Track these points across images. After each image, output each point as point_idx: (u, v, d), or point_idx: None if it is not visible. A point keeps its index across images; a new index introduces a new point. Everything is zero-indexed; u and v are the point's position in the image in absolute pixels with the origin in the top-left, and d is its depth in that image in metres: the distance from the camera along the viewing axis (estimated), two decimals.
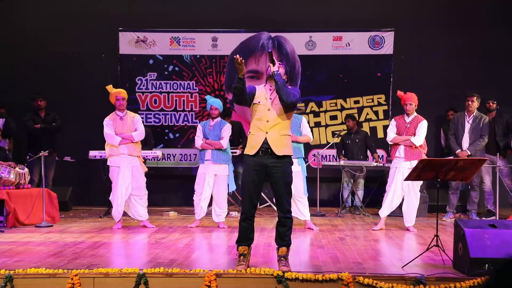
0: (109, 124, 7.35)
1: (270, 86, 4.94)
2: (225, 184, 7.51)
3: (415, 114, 7.30)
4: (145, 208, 7.54)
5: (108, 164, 7.46)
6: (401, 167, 7.19)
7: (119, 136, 7.32)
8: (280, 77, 4.80)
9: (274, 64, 4.86)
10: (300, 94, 5.04)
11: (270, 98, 4.88)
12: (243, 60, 4.72)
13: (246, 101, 4.87)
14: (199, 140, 7.53)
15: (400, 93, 7.48)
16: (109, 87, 7.47)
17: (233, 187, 7.63)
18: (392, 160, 7.39)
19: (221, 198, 7.52)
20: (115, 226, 7.39)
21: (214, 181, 7.48)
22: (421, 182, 7.31)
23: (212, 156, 7.45)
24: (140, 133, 7.46)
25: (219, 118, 7.60)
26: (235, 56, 4.69)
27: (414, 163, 7.05)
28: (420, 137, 7.17)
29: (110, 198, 7.47)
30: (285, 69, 4.97)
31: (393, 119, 7.52)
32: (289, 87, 4.93)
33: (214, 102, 7.57)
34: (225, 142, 7.46)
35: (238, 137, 9.14)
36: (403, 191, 7.20)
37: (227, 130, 7.51)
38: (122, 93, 7.47)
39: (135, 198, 7.44)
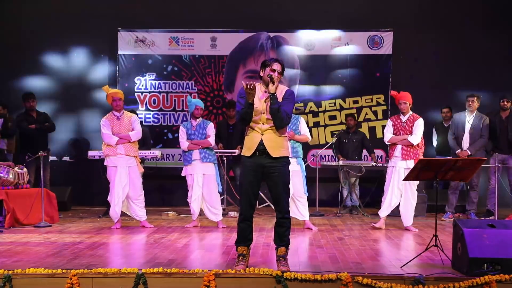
0: (106, 124, 7.36)
1: (265, 89, 4.89)
2: (214, 183, 7.49)
3: (411, 112, 7.32)
4: (143, 209, 7.55)
5: (105, 164, 7.46)
6: (397, 166, 7.21)
7: (116, 136, 7.33)
8: (276, 101, 4.76)
9: (273, 83, 4.78)
10: (295, 99, 5.05)
11: (265, 102, 4.85)
12: (255, 85, 4.69)
13: (251, 121, 4.86)
14: (184, 142, 7.49)
15: (394, 92, 7.50)
16: (105, 88, 7.49)
17: (219, 187, 7.62)
18: (389, 159, 7.39)
19: (213, 198, 7.49)
20: (114, 226, 7.39)
21: (203, 181, 7.47)
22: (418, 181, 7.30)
23: (200, 155, 7.43)
24: (137, 133, 7.46)
25: (201, 118, 7.61)
26: (246, 83, 4.65)
27: (411, 162, 7.10)
28: (417, 136, 7.17)
29: (108, 199, 7.46)
30: (282, 69, 4.93)
31: (389, 119, 7.55)
32: (285, 94, 4.89)
33: (198, 102, 7.60)
34: (212, 140, 7.48)
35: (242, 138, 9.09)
36: (400, 190, 7.22)
37: (212, 128, 7.54)
38: (119, 93, 7.48)
39: (131, 199, 7.44)
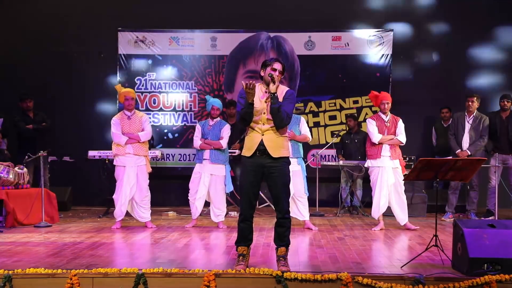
0: (116, 123, 7.37)
1: (266, 89, 4.89)
2: (222, 184, 7.48)
3: (390, 113, 7.35)
4: (147, 210, 7.53)
5: (114, 163, 7.47)
6: (386, 166, 7.20)
7: (126, 135, 7.34)
8: (277, 101, 4.75)
9: (274, 83, 4.78)
10: (295, 99, 5.06)
11: (266, 102, 4.84)
12: (255, 85, 4.69)
13: (251, 121, 4.86)
14: (197, 140, 7.53)
15: (374, 93, 7.49)
16: (118, 87, 7.58)
17: (230, 188, 7.62)
18: (373, 159, 7.28)
19: (218, 199, 7.50)
20: (114, 226, 7.39)
21: (210, 181, 7.47)
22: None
23: (210, 155, 7.44)
24: (147, 133, 7.47)
25: (218, 118, 7.60)
26: (246, 82, 4.65)
27: (397, 162, 7.22)
28: (404, 135, 7.26)
29: (113, 197, 7.47)
30: (283, 69, 4.92)
31: (370, 120, 7.40)
32: (285, 95, 4.88)
33: (215, 102, 7.57)
34: (224, 142, 7.45)
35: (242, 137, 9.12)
36: (388, 190, 7.22)
37: (226, 130, 7.51)
38: (131, 93, 7.53)
39: (136, 200, 7.43)
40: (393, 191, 7.23)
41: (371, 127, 7.30)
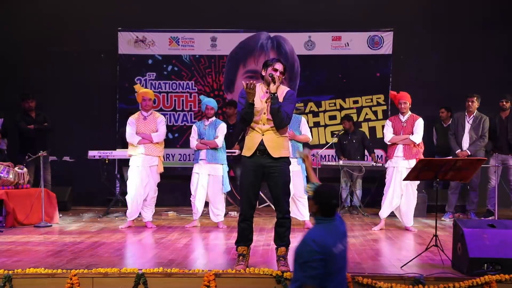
0: (131, 123, 7.42)
1: (267, 89, 4.90)
2: (219, 184, 7.47)
3: (410, 112, 7.33)
4: (151, 211, 7.52)
5: (129, 164, 7.49)
6: (400, 166, 7.19)
7: (139, 135, 7.36)
8: (277, 101, 4.76)
9: (275, 83, 4.78)
10: (296, 99, 5.06)
11: (266, 102, 4.85)
12: (255, 85, 4.69)
13: (252, 121, 4.85)
14: (194, 141, 7.53)
15: (393, 93, 7.52)
16: (137, 86, 7.66)
17: (227, 188, 7.59)
18: (389, 159, 7.35)
19: (217, 199, 7.49)
20: (123, 226, 7.37)
21: (208, 182, 7.46)
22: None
23: (207, 155, 7.44)
24: (159, 135, 7.49)
25: (214, 118, 7.60)
26: (247, 82, 4.66)
27: (413, 162, 7.04)
28: (419, 135, 7.18)
29: (126, 198, 7.46)
30: (284, 69, 4.93)
31: (388, 120, 7.56)
32: (286, 95, 4.88)
33: (210, 102, 7.59)
34: (220, 141, 7.45)
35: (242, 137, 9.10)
36: (401, 191, 7.20)
37: (222, 129, 7.50)
38: (149, 93, 7.58)
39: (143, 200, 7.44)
40: (405, 191, 7.19)
41: (385, 128, 7.43)
